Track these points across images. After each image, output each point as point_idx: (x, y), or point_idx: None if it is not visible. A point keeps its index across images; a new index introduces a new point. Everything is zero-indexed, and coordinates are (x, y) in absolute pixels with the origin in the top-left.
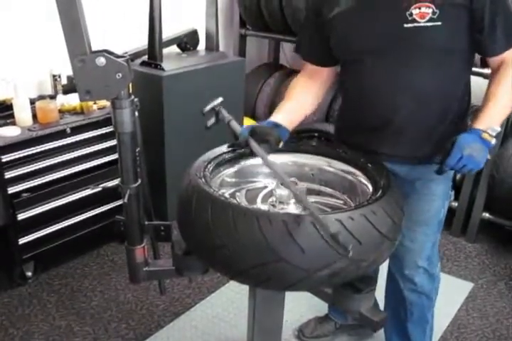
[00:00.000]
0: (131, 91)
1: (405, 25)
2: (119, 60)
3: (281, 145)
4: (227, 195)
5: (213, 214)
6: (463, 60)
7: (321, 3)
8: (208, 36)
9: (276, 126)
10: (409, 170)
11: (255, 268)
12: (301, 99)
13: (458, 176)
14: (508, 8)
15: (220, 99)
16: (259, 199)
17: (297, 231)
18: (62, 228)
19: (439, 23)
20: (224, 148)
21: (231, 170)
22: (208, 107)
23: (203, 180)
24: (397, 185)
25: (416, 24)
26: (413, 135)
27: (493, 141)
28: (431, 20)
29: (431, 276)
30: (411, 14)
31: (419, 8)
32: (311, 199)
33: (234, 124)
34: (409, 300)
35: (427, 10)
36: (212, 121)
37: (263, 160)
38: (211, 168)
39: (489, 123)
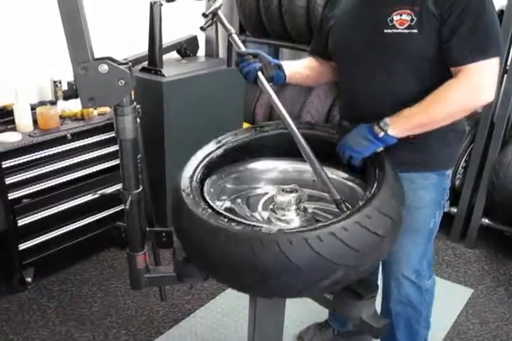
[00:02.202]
0: (132, 97)
1: (385, 31)
2: (122, 67)
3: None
4: (227, 202)
5: (204, 238)
6: (443, 69)
7: (330, 4)
8: (208, 42)
9: (278, 66)
10: None
11: (253, 285)
12: (307, 63)
13: (457, 182)
14: (481, 22)
15: (220, 2)
16: (260, 206)
17: (290, 250)
18: (62, 234)
19: (416, 31)
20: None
21: (231, 176)
22: (209, 10)
23: (191, 196)
24: (394, 176)
25: (395, 30)
26: None
27: (381, 134)
28: (409, 27)
29: (419, 288)
30: (392, 20)
31: (401, 15)
32: (312, 205)
33: (235, 38)
34: (395, 311)
35: (407, 17)
36: (209, 22)
37: (268, 94)
38: (199, 176)
39: (393, 118)
